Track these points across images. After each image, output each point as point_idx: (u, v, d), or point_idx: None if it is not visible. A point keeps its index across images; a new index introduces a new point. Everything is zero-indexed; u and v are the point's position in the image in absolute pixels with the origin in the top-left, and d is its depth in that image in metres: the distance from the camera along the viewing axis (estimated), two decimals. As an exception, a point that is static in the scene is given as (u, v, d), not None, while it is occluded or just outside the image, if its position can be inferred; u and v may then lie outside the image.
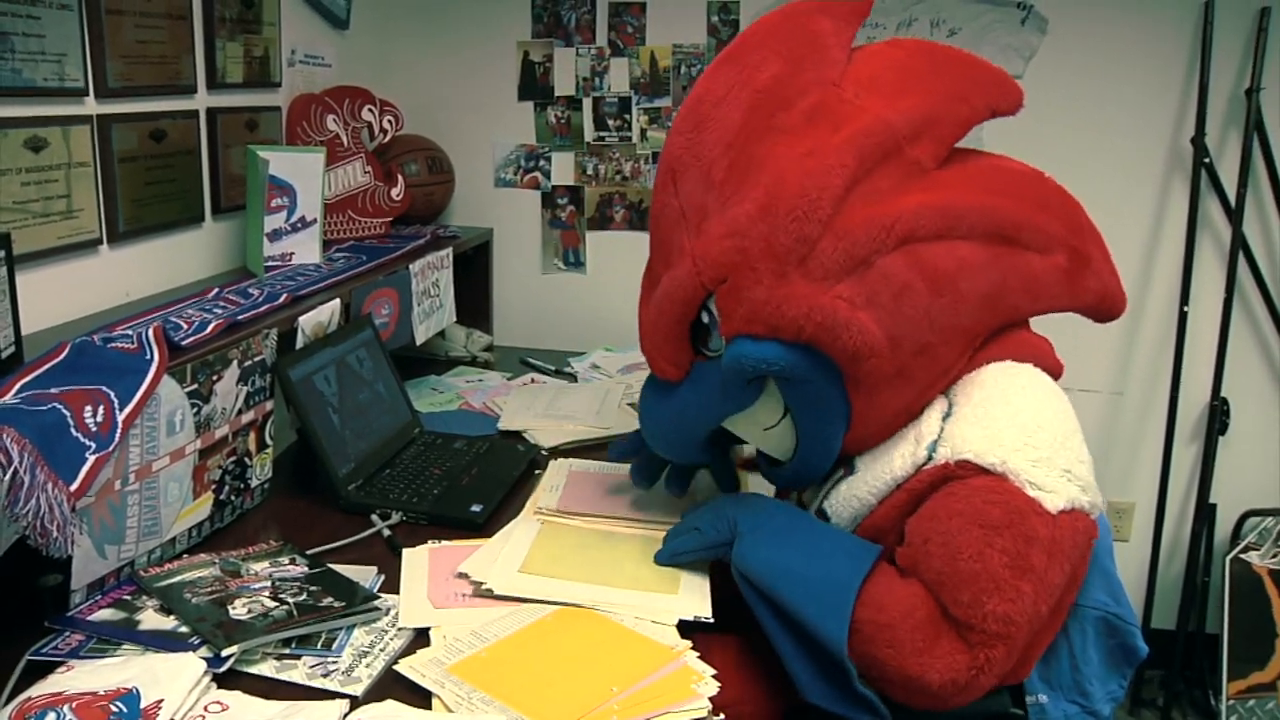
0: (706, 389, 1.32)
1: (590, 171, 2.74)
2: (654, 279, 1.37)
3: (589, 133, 2.72)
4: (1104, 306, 1.41)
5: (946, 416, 1.27)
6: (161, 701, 1.04)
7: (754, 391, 1.30)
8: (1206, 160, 2.40)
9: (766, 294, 1.20)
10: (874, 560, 1.23)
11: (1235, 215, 2.41)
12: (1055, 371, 1.35)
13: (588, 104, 2.70)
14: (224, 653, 1.14)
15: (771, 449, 1.39)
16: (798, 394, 1.27)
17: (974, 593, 1.14)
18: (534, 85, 2.72)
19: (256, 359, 1.55)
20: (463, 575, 1.36)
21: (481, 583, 1.33)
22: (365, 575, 1.38)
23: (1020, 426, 1.20)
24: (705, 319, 1.29)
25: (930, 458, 1.23)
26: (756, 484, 1.58)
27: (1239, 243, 2.41)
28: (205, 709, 1.07)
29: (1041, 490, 1.16)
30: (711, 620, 1.28)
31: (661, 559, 1.40)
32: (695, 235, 1.28)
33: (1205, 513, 2.55)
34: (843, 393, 1.25)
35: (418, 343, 2.17)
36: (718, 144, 1.28)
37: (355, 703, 1.10)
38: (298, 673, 1.15)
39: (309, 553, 1.43)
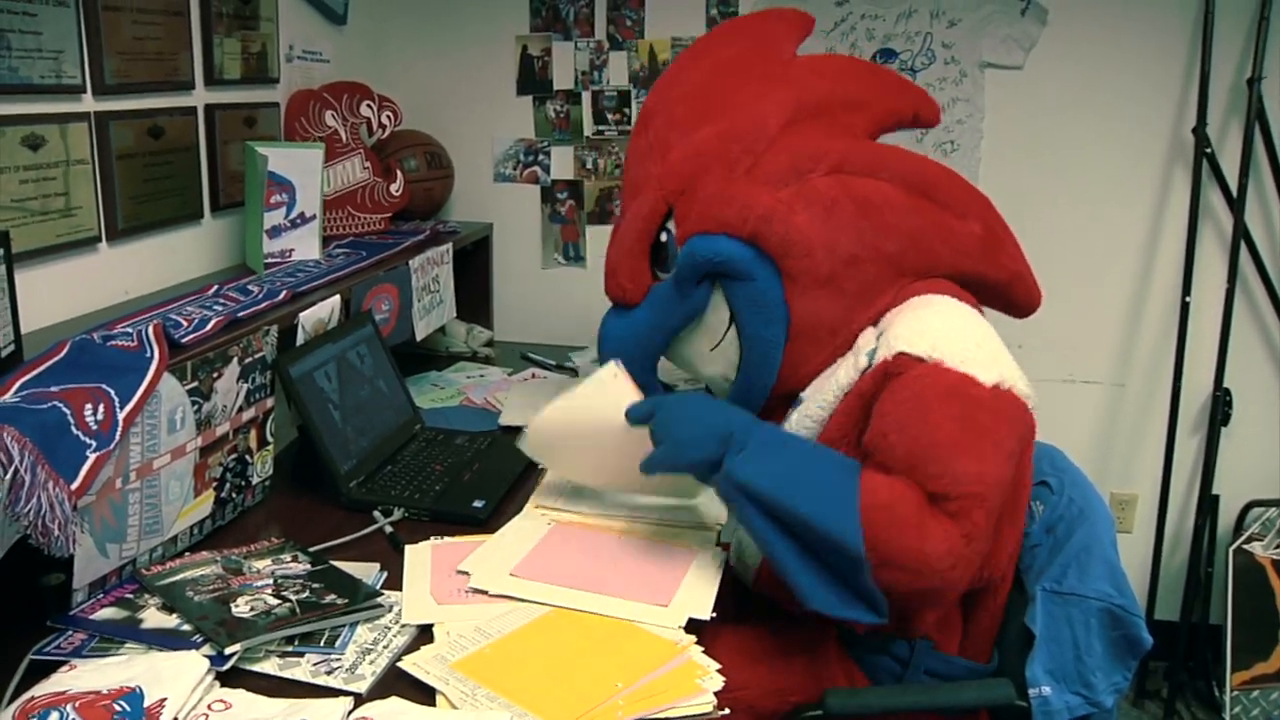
0: (659, 301, 1.50)
1: (590, 166, 2.74)
2: (623, 214, 1.58)
3: (588, 127, 2.71)
4: (1018, 289, 1.55)
5: (880, 336, 1.38)
6: (165, 700, 1.04)
7: (703, 295, 1.46)
8: (1208, 150, 2.39)
9: (717, 190, 1.42)
10: (859, 468, 1.26)
11: (1237, 205, 2.40)
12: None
13: (587, 98, 2.69)
14: (227, 651, 1.14)
15: (715, 374, 1.52)
16: (742, 293, 1.42)
17: (940, 461, 1.19)
18: (533, 79, 2.71)
19: (257, 356, 1.55)
20: (463, 574, 1.36)
21: (481, 587, 1.32)
22: (368, 572, 1.38)
23: (946, 321, 1.34)
24: (664, 238, 1.49)
25: (870, 364, 1.35)
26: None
27: (1241, 232, 2.40)
28: (209, 707, 1.07)
29: (973, 367, 1.26)
30: (709, 619, 1.27)
31: (646, 468, 1.33)
32: (661, 162, 1.50)
33: (1208, 504, 2.55)
34: (781, 294, 1.42)
35: (418, 338, 2.17)
36: (682, 97, 1.55)
37: (359, 700, 1.10)
38: (301, 670, 1.15)
39: (311, 550, 1.42)
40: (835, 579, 1.21)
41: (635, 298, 1.51)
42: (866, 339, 1.40)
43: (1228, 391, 2.51)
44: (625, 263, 1.50)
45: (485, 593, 1.31)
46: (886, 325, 1.39)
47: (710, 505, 1.47)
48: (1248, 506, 2.56)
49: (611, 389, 1.44)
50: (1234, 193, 2.40)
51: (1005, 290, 1.54)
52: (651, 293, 1.50)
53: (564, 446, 1.53)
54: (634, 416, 1.36)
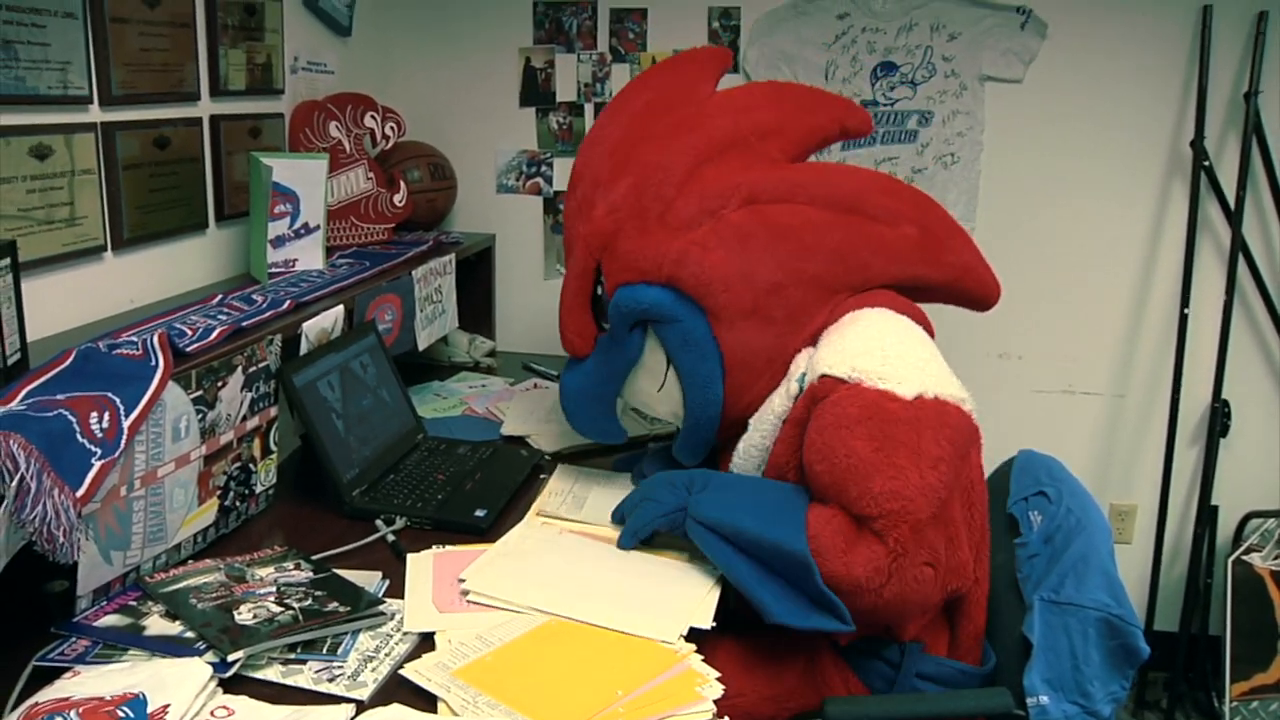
0: (603, 351, 1.56)
1: (591, 177, 2.74)
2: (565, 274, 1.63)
3: (590, 138, 2.72)
4: (968, 282, 1.58)
5: (811, 358, 1.42)
6: (168, 706, 1.04)
7: (638, 340, 1.52)
8: (1206, 163, 2.40)
9: (633, 245, 1.48)
10: (807, 495, 1.35)
11: (1235, 218, 2.41)
12: (921, 324, 1.50)
13: (589, 109, 2.71)
14: (230, 658, 1.14)
15: (668, 411, 1.58)
16: (672, 335, 1.47)
17: (859, 484, 1.24)
18: (536, 91, 2.72)
19: (261, 365, 1.56)
20: (461, 582, 1.36)
21: (480, 595, 1.33)
22: (370, 580, 1.38)
23: (866, 339, 1.37)
24: (599, 292, 1.54)
25: (801, 389, 1.39)
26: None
27: (1239, 245, 2.41)
28: (211, 714, 1.07)
29: (891, 382, 1.29)
30: (709, 627, 1.28)
31: (625, 543, 1.46)
32: (586, 221, 1.55)
33: (1207, 515, 2.55)
34: (709, 331, 1.46)
35: (420, 348, 2.18)
36: (604, 155, 1.60)
37: (361, 707, 1.11)
38: (303, 677, 1.15)
39: (314, 558, 1.43)
40: (794, 592, 1.28)
41: (585, 350, 1.58)
42: (799, 363, 1.45)
43: (1226, 403, 2.52)
44: (569, 320, 1.58)
45: (484, 601, 1.31)
46: (818, 345, 1.44)
47: (684, 616, 1.29)
48: (1247, 517, 2.56)
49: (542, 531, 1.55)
50: (1232, 205, 2.42)
51: (955, 286, 1.57)
52: (597, 343, 1.58)
53: (519, 570, 1.42)
54: (615, 514, 1.54)
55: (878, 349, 1.34)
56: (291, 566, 1.39)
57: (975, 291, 1.59)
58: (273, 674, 1.16)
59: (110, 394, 1.24)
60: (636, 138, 1.58)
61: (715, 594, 1.35)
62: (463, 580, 1.36)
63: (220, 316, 1.61)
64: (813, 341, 1.47)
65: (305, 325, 1.69)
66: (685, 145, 1.51)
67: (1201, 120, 2.38)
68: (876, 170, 1.61)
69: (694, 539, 1.39)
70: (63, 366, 1.30)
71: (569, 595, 1.33)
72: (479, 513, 1.59)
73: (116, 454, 1.20)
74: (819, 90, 1.70)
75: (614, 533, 1.52)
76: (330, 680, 1.15)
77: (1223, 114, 2.43)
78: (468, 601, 1.32)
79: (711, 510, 1.38)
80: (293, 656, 1.19)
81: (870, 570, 1.22)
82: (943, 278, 1.55)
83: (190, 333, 1.48)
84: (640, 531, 1.45)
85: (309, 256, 2.00)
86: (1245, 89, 2.37)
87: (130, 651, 1.18)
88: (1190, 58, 2.41)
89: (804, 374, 1.41)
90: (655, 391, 1.57)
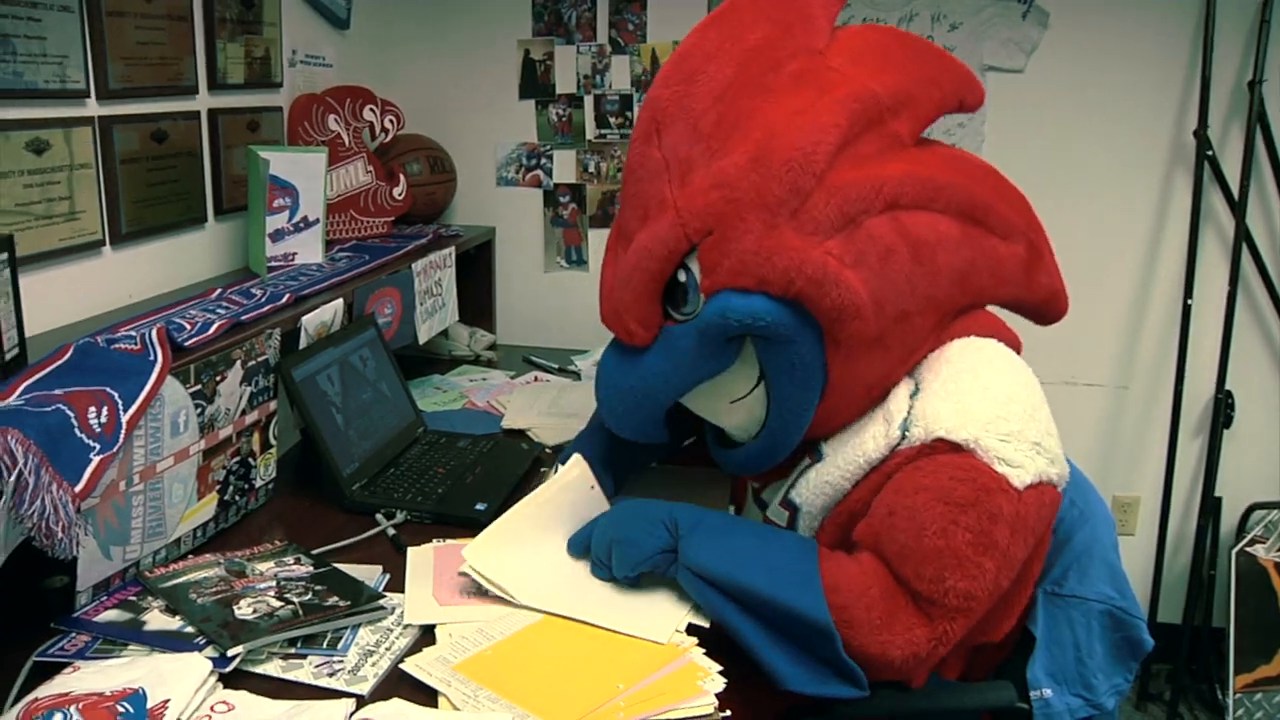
0: (676, 353, 1.27)
1: (592, 169, 2.74)
2: (625, 236, 1.33)
3: (590, 130, 2.72)
4: (1051, 304, 1.44)
5: (914, 395, 1.27)
6: (168, 702, 1.04)
7: (730, 354, 1.26)
8: (1209, 153, 2.39)
9: (756, 245, 1.18)
10: (816, 546, 1.25)
11: (1238, 208, 2.40)
12: (1015, 345, 1.38)
13: (589, 102, 2.70)
14: (230, 653, 1.14)
15: (734, 425, 1.35)
16: (778, 356, 1.24)
17: (937, 568, 1.16)
18: (535, 83, 2.72)
19: (260, 359, 1.55)
20: (464, 575, 1.34)
21: (478, 571, 1.31)
22: (370, 574, 1.38)
23: (991, 400, 1.22)
24: (682, 277, 1.26)
25: (904, 437, 1.23)
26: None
27: (1242, 235, 2.40)
28: (211, 709, 1.07)
29: (1009, 466, 1.18)
30: (709, 625, 1.27)
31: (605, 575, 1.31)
32: (680, 186, 1.25)
33: (1210, 506, 2.55)
34: (822, 358, 1.23)
35: (420, 342, 2.18)
36: (707, 96, 1.26)
37: (361, 702, 1.10)
38: (303, 672, 1.15)
39: (314, 552, 1.43)
40: (807, 655, 1.20)
41: (643, 341, 1.30)
42: (899, 400, 1.28)
43: (1230, 394, 2.51)
44: (633, 305, 1.29)
45: (482, 587, 1.30)
46: (922, 380, 1.28)
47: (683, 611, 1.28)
48: (1250, 509, 2.56)
49: (575, 489, 1.37)
50: (1235, 195, 2.41)
51: (1037, 307, 1.44)
52: (665, 338, 1.28)
53: (518, 559, 1.35)
54: (574, 545, 1.35)
55: (1004, 415, 1.20)
56: (291, 561, 1.39)
57: (1049, 313, 1.46)
58: (273, 669, 1.16)
59: (108, 389, 1.24)
60: (753, 86, 1.25)
61: None
62: (465, 574, 1.35)
63: (219, 310, 1.60)
64: (911, 370, 1.31)
65: (304, 319, 1.69)
66: (826, 122, 1.21)
67: (1205, 109, 2.37)
68: (982, 159, 1.39)
69: (687, 589, 1.25)
70: (61, 361, 1.30)
71: (564, 591, 1.32)
72: (479, 506, 1.58)
73: (115, 449, 1.19)
74: (940, 51, 1.40)
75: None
76: (330, 675, 1.15)
77: (1226, 103, 2.42)
78: (474, 595, 1.31)
79: (710, 560, 1.22)
80: (293, 651, 1.19)
81: (908, 654, 1.15)
82: (1032, 299, 1.41)
83: (189, 327, 1.47)
84: (628, 570, 1.29)
85: (308, 250, 1.99)
86: (1249, 77, 2.35)
87: (130, 647, 1.18)
88: (1193, 46, 2.40)
89: (906, 419, 1.24)
90: (728, 404, 1.33)
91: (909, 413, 1.25)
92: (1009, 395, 1.23)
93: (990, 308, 1.42)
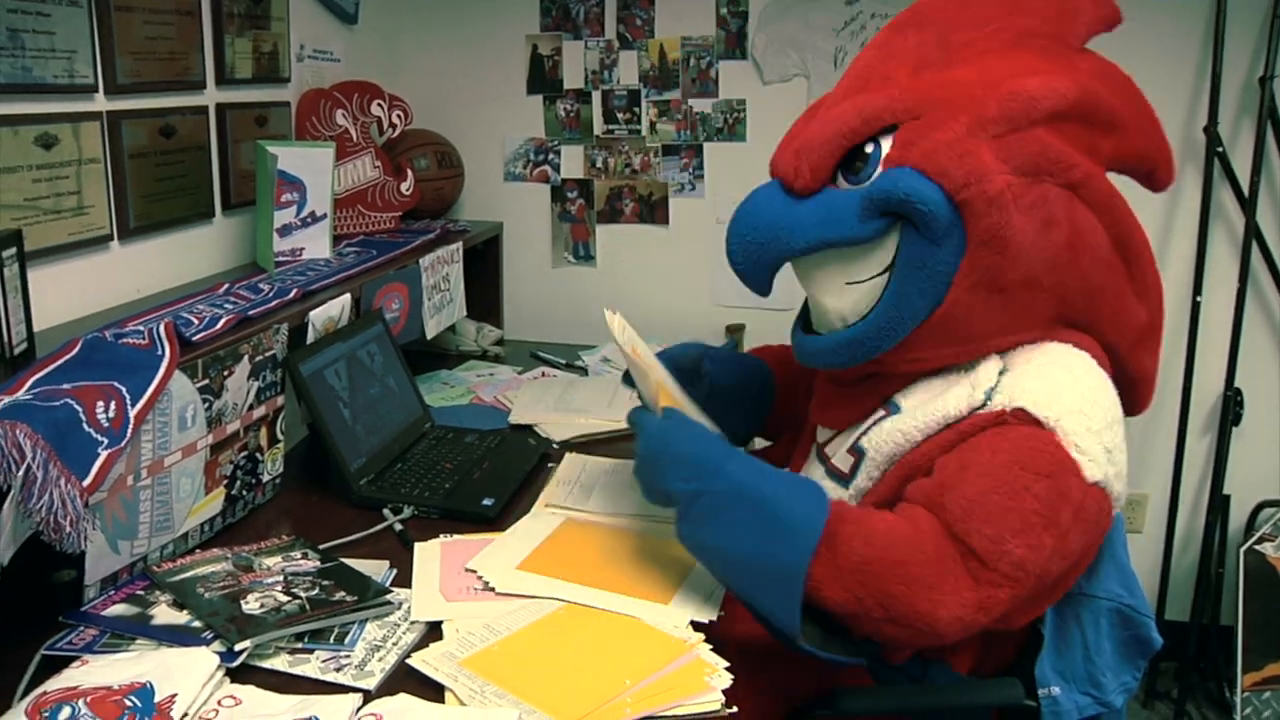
0: (830, 209, 1.30)
1: (599, 165, 2.74)
2: (834, 98, 1.38)
3: (598, 126, 2.71)
4: (1140, 390, 1.44)
5: (1003, 373, 1.28)
6: (175, 696, 1.04)
7: (877, 229, 1.27)
8: (1219, 149, 2.38)
9: (953, 138, 1.23)
10: (825, 511, 1.20)
11: (1248, 205, 2.39)
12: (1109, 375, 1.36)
13: (597, 97, 2.70)
14: (237, 647, 1.14)
15: (839, 309, 1.35)
16: (916, 250, 1.25)
17: (999, 528, 1.15)
18: (543, 79, 2.71)
19: (267, 354, 1.55)
20: (470, 571, 1.36)
21: (485, 579, 1.33)
22: (377, 569, 1.38)
23: (1079, 393, 1.23)
24: (869, 149, 1.29)
25: (986, 402, 1.25)
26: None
27: (1252, 232, 2.39)
28: (219, 703, 1.07)
29: (1084, 456, 1.19)
30: (715, 620, 1.27)
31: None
32: (910, 74, 1.32)
33: (1219, 504, 2.54)
34: (951, 273, 1.25)
35: (428, 337, 2.18)
36: (969, 23, 1.35)
37: (368, 697, 1.10)
38: (310, 667, 1.15)
39: (321, 547, 1.43)
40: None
41: (804, 188, 1.32)
42: (988, 371, 1.29)
43: (1239, 391, 2.50)
44: (819, 152, 1.30)
45: (493, 590, 1.31)
46: (1014, 364, 1.29)
47: (687, 606, 1.32)
48: (1259, 507, 2.54)
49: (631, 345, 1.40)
50: (1245, 192, 2.39)
51: (1127, 386, 1.41)
52: (825, 194, 1.31)
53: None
54: (630, 419, 1.38)
55: (1088, 411, 1.22)
56: (298, 556, 1.39)
57: (1134, 401, 1.44)
58: (280, 663, 1.16)
59: (116, 383, 1.24)
60: (1010, 32, 1.35)
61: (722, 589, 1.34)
62: (474, 571, 1.35)
63: (227, 305, 1.60)
64: (1005, 351, 1.32)
65: (312, 314, 1.69)
66: (1060, 86, 1.27)
67: (1215, 105, 2.36)
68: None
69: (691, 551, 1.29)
70: (69, 356, 1.30)
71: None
72: (486, 501, 1.58)
73: (123, 443, 1.19)
74: (1158, 121, 1.44)
75: (621, 520, 1.52)
76: (337, 670, 1.15)
77: (1237, 99, 2.41)
78: (481, 591, 1.32)
79: (697, 549, 1.27)
80: (300, 646, 1.19)
81: (954, 615, 1.14)
82: (1131, 373, 1.41)
83: (196, 321, 1.47)
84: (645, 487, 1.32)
85: (316, 245, 2.00)
86: (1260, 73, 2.34)
87: (138, 641, 1.18)
88: (1204, 41, 2.39)
89: (993, 388, 1.26)
90: (844, 283, 1.32)
91: (995, 383, 1.27)
92: (1095, 398, 1.24)
93: None
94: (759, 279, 1.36)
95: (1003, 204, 1.21)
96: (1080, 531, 1.19)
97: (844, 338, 1.32)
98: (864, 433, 1.36)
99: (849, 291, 1.32)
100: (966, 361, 1.31)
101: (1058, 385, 1.23)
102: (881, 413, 1.35)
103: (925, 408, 1.30)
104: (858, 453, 1.36)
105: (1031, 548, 1.15)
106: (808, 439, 1.53)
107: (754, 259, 1.35)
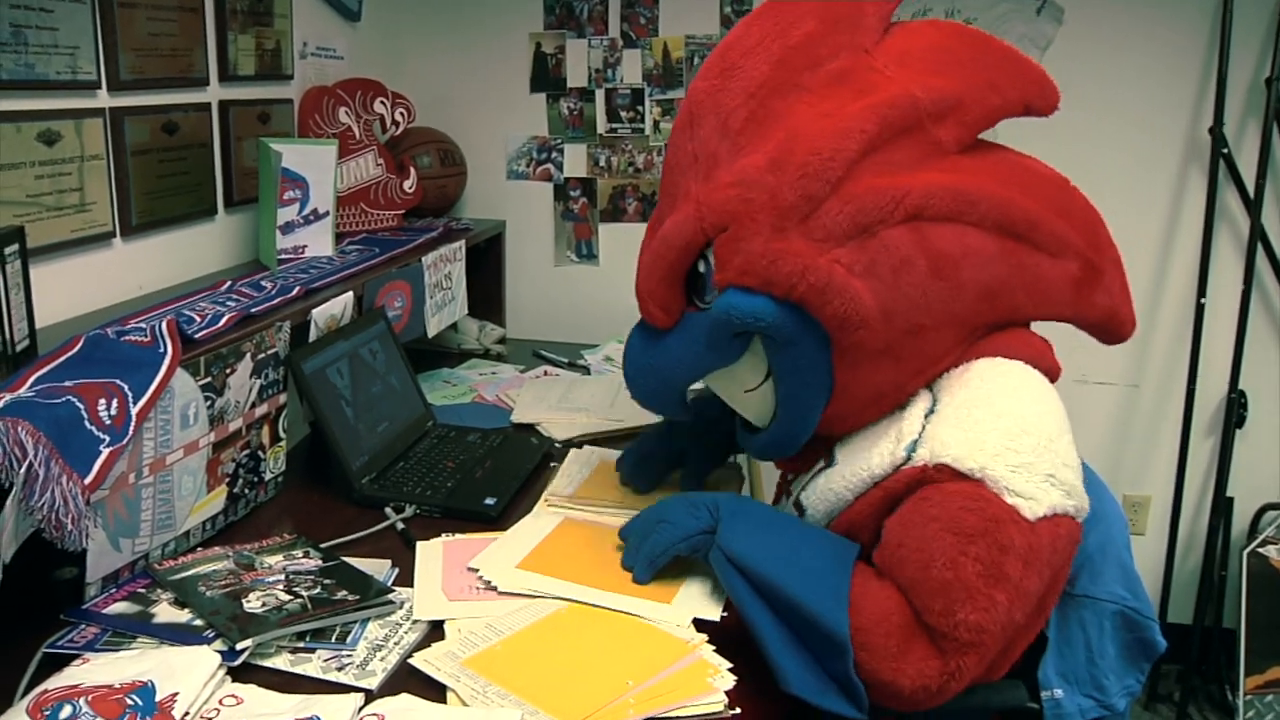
0: (693, 340, 1.30)
1: (603, 163, 2.73)
2: (659, 221, 1.36)
3: (601, 124, 2.71)
4: (1110, 325, 1.39)
5: (929, 414, 1.25)
6: (176, 694, 1.04)
7: (739, 347, 1.28)
8: (1225, 150, 2.38)
9: (763, 247, 1.19)
10: (855, 555, 1.22)
11: (1254, 206, 2.39)
12: (1052, 372, 1.32)
13: (600, 95, 2.69)
14: (238, 646, 1.14)
15: (750, 413, 1.37)
16: (783, 356, 1.25)
17: (946, 601, 1.12)
18: (546, 77, 2.71)
19: (270, 352, 1.55)
20: (472, 570, 1.35)
21: (487, 579, 1.33)
22: (379, 568, 1.38)
23: (1003, 430, 1.18)
24: (702, 268, 1.28)
25: (909, 458, 1.21)
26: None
27: (1257, 234, 2.39)
28: (220, 702, 1.07)
29: (1020, 497, 1.15)
30: (718, 620, 1.26)
31: (640, 577, 1.32)
32: (703, 181, 1.26)
33: (1222, 506, 2.53)
34: (827, 362, 1.24)
35: (430, 335, 2.17)
36: (740, 93, 1.26)
37: (370, 696, 1.10)
38: (312, 666, 1.15)
39: (323, 546, 1.43)
40: (816, 665, 1.18)
41: (665, 324, 1.33)
42: (913, 420, 1.25)
43: (1243, 394, 2.49)
44: (655, 290, 1.31)
45: (495, 589, 1.31)
46: (940, 399, 1.26)
47: (690, 604, 1.31)
48: (1262, 509, 2.54)
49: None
50: (1251, 193, 2.39)
51: (1094, 327, 1.40)
52: (686, 322, 1.31)
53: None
54: (623, 532, 1.39)
55: (1015, 446, 1.17)
56: (300, 554, 1.39)
57: (1111, 332, 1.41)
58: (281, 662, 1.16)
59: (119, 381, 1.24)
60: (788, 85, 1.25)
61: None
62: (476, 570, 1.35)
63: (229, 303, 1.60)
64: (931, 383, 1.29)
65: (314, 312, 1.68)
66: (852, 128, 1.19)
67: (1221, 106, 2.36)
68: (1051, 170, 1.35)
69: (717, 571, 1.26)
70: (71, 353, 1.30)
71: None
72: (489, 500, 1.58)
73: (125, 441, 1.19)
74: (1012, 52, 1.34)
75: (624, 519, 1.51)
76: (339, 669, 1.14)
77: (1243, 100, 2.40)
78: (483, 590, 1.31)
79: (745, 548, 1.23)
80: (301, 645, 1.19)
81: (917, 685, 1.13)
82: (1086, 319, 1.37)
83: (199, 319, 1.47)
84: (658, 560, 1.31)
85: (318, 243, 1.99)
86: (1267, 74, 2.34)
87: (139, 639, 1.18)
88: (1210, 42, 2.38)
89: (915, 441, 1.22)
90: (743, 392, 1.34)
91: (919, 433, 1.23)
92: (1023, 426, 1.19)
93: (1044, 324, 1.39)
94: (671, 410, 1.41)
95: (838, 285, 1.17)
96: (1037, 573, 1.15)
97: (766, 440, 1.36)
98: (804, 487, 1.37)
99: (751, 398, 1.34)
100: (898, 404, 1.29)
101: (979, 429, 1.18)
102: (821, 463, 1.36)
103: (853, 463, 1.28)
104: (799, 508, 1.37)
105: (985, 610, 1.12)
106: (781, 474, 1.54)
107: (654, 398, 1.39)
